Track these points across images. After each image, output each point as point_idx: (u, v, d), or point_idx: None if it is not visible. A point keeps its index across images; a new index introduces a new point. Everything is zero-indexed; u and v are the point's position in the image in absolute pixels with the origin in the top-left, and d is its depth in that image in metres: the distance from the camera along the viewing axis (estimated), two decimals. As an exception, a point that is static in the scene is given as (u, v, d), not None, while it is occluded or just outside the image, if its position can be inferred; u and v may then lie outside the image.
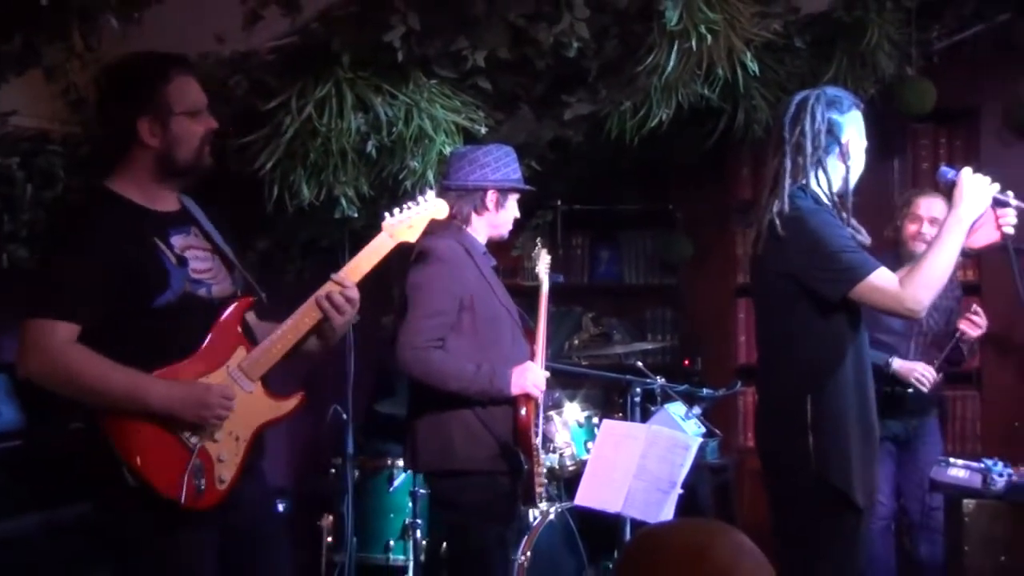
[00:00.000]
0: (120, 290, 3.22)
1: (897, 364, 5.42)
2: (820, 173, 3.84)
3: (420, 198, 3.82)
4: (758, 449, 4.09)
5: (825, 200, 3.85)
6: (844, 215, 3.86)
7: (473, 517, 4.38)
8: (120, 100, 3.32)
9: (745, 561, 1.79)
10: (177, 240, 3.36)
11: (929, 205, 5.44)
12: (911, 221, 5.46)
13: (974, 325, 5.37)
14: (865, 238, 3.93)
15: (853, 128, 3.88)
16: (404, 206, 3.79)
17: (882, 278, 3.70)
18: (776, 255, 3.84)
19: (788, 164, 3.85)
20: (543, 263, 4.96)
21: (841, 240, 3.74)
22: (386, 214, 3.73)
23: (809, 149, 3.83)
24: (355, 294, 3.47)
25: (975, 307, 5.44)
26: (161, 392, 3.20)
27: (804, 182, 3.83)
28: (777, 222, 3.79)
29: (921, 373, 5.38)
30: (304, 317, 3.44)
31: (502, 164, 4.46)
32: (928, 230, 5.35)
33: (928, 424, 5.67)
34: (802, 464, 3.79)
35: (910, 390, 5.38)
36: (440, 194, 4.32)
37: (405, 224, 3.74)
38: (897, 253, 5.39)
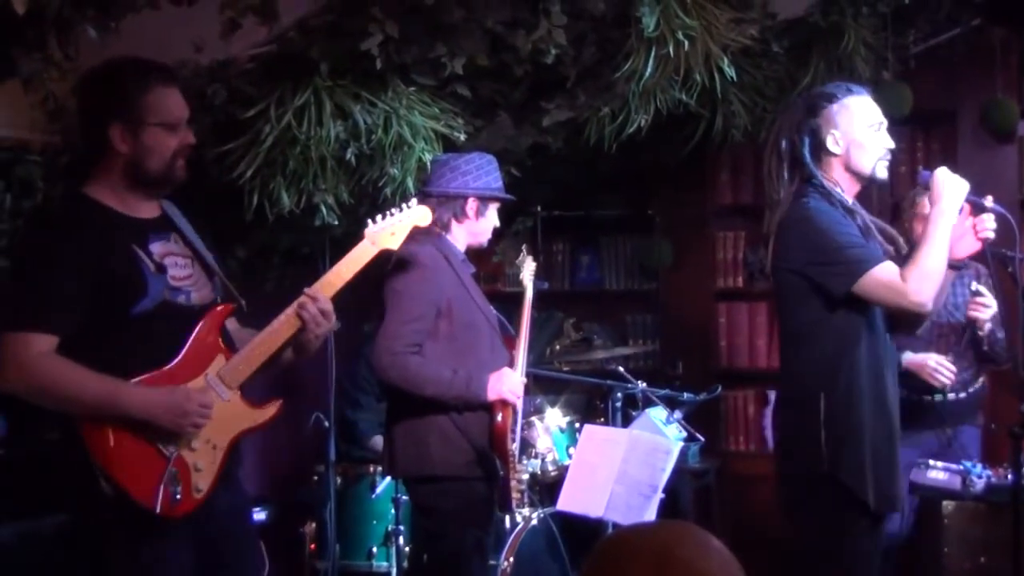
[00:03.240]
0: (97, 299, 3.20)
1: (907, 359, 5.26)
2: (816, 173, 3.92)
3: (403, 205, 3.83)
4: (774, 446, 4.12)
5: (837, 194, 3.92)
6: (855, 210, 3.96)
7: (450, 522, 4.39)
8: (95, 104, 3.32)
9: (712, 560, 1.79)
10: (156, 247, 3.34)
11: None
12: (919, 222, 5.39)
13: (981, 307, 5.26)
14: (889, 234, 4.01)
15: (840, 120, 3.95)
16: (387, 213, 3.80)
17: (886, 271, 3.78)
18: (785, 254, 3.93)
19: (785, 171, 3.97)
20: (528, 270, 4.97)
21: (845, 236, 3.83)
22: (369, 221, 3.74)
23: (800, 157, 3.94)
24: (328, 307, 3.47)
25: (976, 287, 5.33)
26: (139, 399, 3.18)
27: (813, 180, 3.92)
28: (786, 222, 3.90)
29: (935, 367, 5.25)
30: (283, 326, 3.43)
31: (483, 172, 4.50)
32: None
33: (967, 432, 5.53)
34: (815, 461, 3.82)
35: (937, 396, 5.34)
36: (421, 200, 4.34)
37: (387, 231, 3.76)
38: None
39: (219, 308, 3.43)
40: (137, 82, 3.27)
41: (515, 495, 4.45)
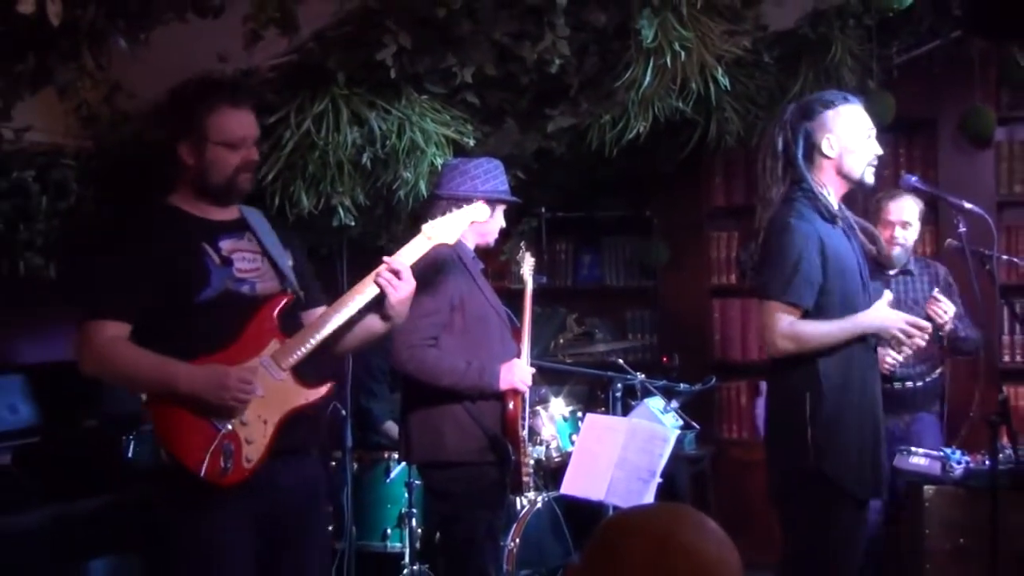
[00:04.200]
0: (164, 289, 3.35)
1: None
2: (806, 176, 3.93)
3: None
4: (764, 442, 4.12)
5: (823, 198, 3.92)
6: (839, 213, 3.98)
7: (463, 506, 4.39)
8: (168, 121, 3.50)
9: (709, 542, 1.78)
10: (225, 244, 3.47)
11: (900, 209, 5.35)
12: (883, 227, 5.35)
13: (937, 313, 5.26)
14: (870, 233, 4.04)
15: (835, 125, 3.95)
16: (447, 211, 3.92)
17: (782, 310, 3.84)
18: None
19: (779, 170, 3.98)
20: (527, 265, 4.96)
21: (800, 261, 3.83)
22: (430, 222, 3.80)
23: (792, 159, 3.95)
24: (404, 268, 3.58)
25: (934, 293, 5.32)
26: (185, 376, 3.29)
27: (803, 183, 3.93)
28: (769, 228, 3.93)
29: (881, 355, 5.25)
30: (350, 299, 3.54)
31: (491, 176, 4.50)
32: (900, 233, 5.35)
33: (924, 419, 5.53)
34: (801, 455, 3.81)
35: (896, 385, 5.32)
36: (432, 202, 4.37)
37: (444, 226, 3.80)
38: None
39: (277, 296, 3.51)
40: (202, 102, 3.41)
41: (525, 479, 4.45)
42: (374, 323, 3.67)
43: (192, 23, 3.36)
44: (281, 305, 3.49)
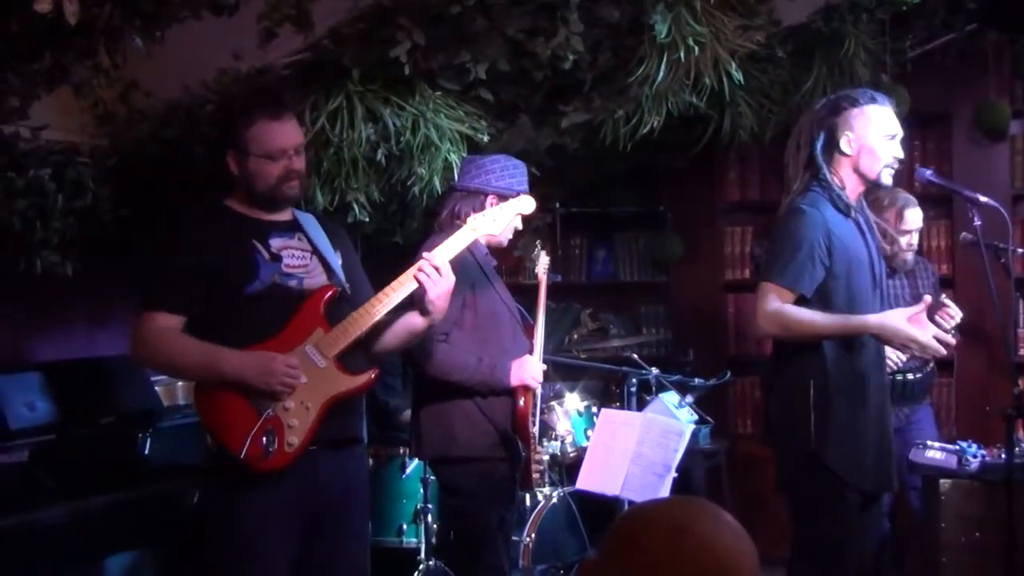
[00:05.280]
0: (216, 282, 3.49)
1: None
2: (824, 169, 3.97)
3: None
4: (770, 427, 4.14)
5: (838, 192, 3.96)
6: (855, 209, 4.01)
7: (475, 501, 4.40)
8: (218, 133, 3.73)
9: (725, 536, 1.79)
10: (276, 242, 3.62)
11: (916, 218, 5.45)
12: (901, 234, 5.42)
13: (948, 318, 5.30)
14: (887, 233, 4.07)
15: (857, 124, 3.99)
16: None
17: (775, 291, 3.87)
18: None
19: (792, 169, 4.07)
20: (542, 263, 4.96)
21: (801, 245, 3.87)
22: (475, 215, 3.91)
23: (813, 152, 4.00)
24: (443, 264, 3.64)
25: (942, 299, 5.38)
26: (232, 362, 3.42)
27: (821, 176, 3.98)
28: (781, 216, 4.00)
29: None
30: (389, 294, 3.61)
31: (507, 174, 4.48)
32: (915, 240, 5.47)
33: (920, 411, 5.59)
34: (803, 443, 3.83)
35: (899, 377, 5.33)
36: (447, 194, 4.39)
37: (489, 218, 3.90)
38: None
39: (322, 288, 3.61)
40: (244, 117, 3.57)
41: (535, 475, 4.46)
42: (414, 320, 3.74)
43: (207, 21, 3.37)
44: (327, 296, 3.59)
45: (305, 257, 3.65)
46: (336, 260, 3.71)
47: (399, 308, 3.69)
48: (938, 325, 5.24)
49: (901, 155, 4.05)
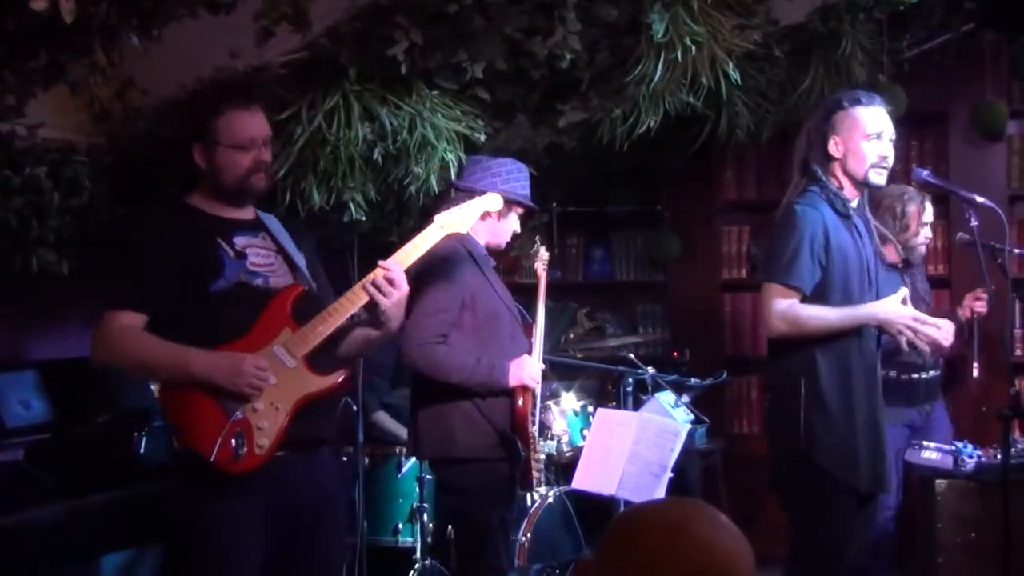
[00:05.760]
0: (180, 280, 3.41)
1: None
2: (821, 172, 4.04)
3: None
4: (766, 430, 4.18)
5: (836, 194, 4.01)
6: (852, 213, 4.05)
7: (474, 501, 4.40)
8: (183, 126, 3.64)
9: (722, 537, 1.79)
10: (240, 240, 3.55)
11: (930, 211, 5.51)
12: (919, 227, 5.52)
13: (981, 301, 5.42)
14: (894, 254, 4.12)
15: (842, 127, 4.05)
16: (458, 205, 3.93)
17: (780, 292, 3.92)
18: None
19: (799, 167, 4.13)
20: (541, 259, 4.97)
21: (801, 244, 3.91)
22: (442, 212, 3.84)
23: (807, 158, 4.08)
24: (398, 276, 3.55)
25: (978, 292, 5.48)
26: (201, 363, 3.34)
27: (818, 178, 4.04)
28: (778, 217, 4.07)
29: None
30: (348, 301, 3.53)
31: (512, 178, 4.52)
32: (928, 232, 5.53)
33: (939, 408, 5.62)
34: (795, 442, 3.86)
35: (922, 375, 5.36)
36: (450, 193, 4.41)
37: (456, 216, 3.83)
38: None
39: (289, 287, 3.55)
40: (211, 107, 3.51)
41: (535, 474, 4.46)
42: (368, 330, 3.69)
43: (204, 19, 3.36)
44: (294, 295, 3.53)
45: (270, 256, 3.60)
46: (301, 259, 3.65)
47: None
48: (974, 311, 5.34)
49: (888, 154, 4.06)
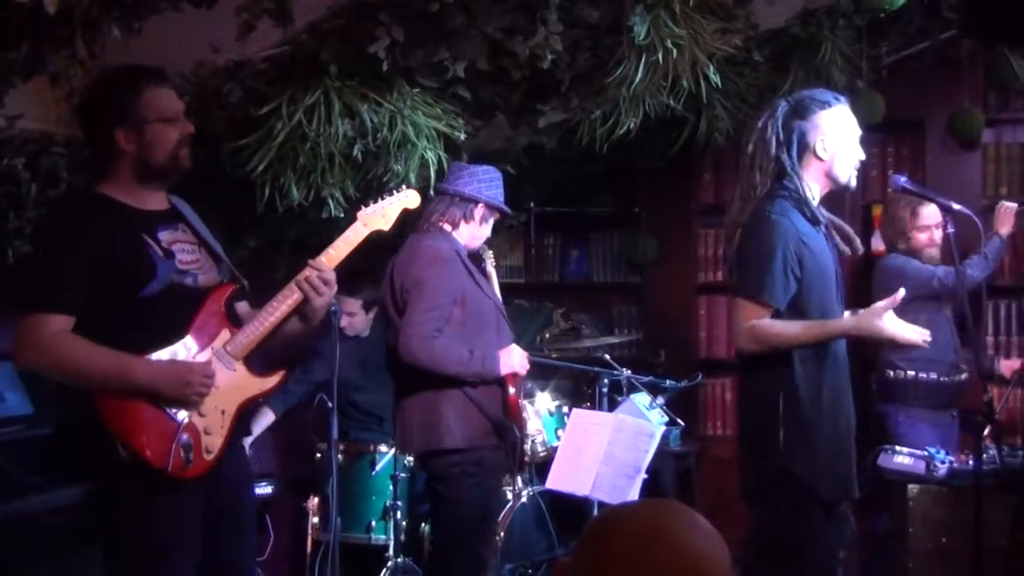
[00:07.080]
0: (107, 281, 3.26)
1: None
2: (795, 175, 3.88)
3: (393, 191, 3.89)
4: (738, 437, 4.12)
5: (807, 198, 3.89)
6: (819, 215, 3.93)
7: (467, 489, 4.53)
8: (97, 113, 3.40)
9: (699, 538, 1.80)
10: (164, 235, 3.41)
11: (932, 213, 5.58)
12: (920, 231, 5.60)
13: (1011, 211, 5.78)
14: (845, 233, 4.02)
15: (827, 126, 3.91)
16: (378, 197, 3.85)
17: (752, 307, 3.83)
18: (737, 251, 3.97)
19: (758, 174, 3.92)
20: (489, 261, 5.04)
21: (774, 258, 3.80)
22: (362, 206, 3.78)
23: (782, 157, 3.89)
24: (331, 276, 3.52)
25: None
26: (145, 372, 3.25)
27: (788, 181, 3.89)
28: (749, 224, 3.90)
29: None
30: (284, 300, 3.49)
31: (494, 185, 4.73)
32: (936, 234, 5.64)
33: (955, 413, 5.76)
34: (772, 454, 3.81)
35: (964, 376, 5.59)
36: (438, 196, 4.64)
37: (379, 214, 3.80)
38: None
39: (222, 287, 3.49)
40: (129, 87, 3.35)
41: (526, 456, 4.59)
42: (293, 325, 3.59)
43: (186, 12, 3.36)
44: (228, 295, 3.49)
45: (195, 251, 3.48)
46: (218, 246, 3.57)
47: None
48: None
49: (863, 156, 4.01)
